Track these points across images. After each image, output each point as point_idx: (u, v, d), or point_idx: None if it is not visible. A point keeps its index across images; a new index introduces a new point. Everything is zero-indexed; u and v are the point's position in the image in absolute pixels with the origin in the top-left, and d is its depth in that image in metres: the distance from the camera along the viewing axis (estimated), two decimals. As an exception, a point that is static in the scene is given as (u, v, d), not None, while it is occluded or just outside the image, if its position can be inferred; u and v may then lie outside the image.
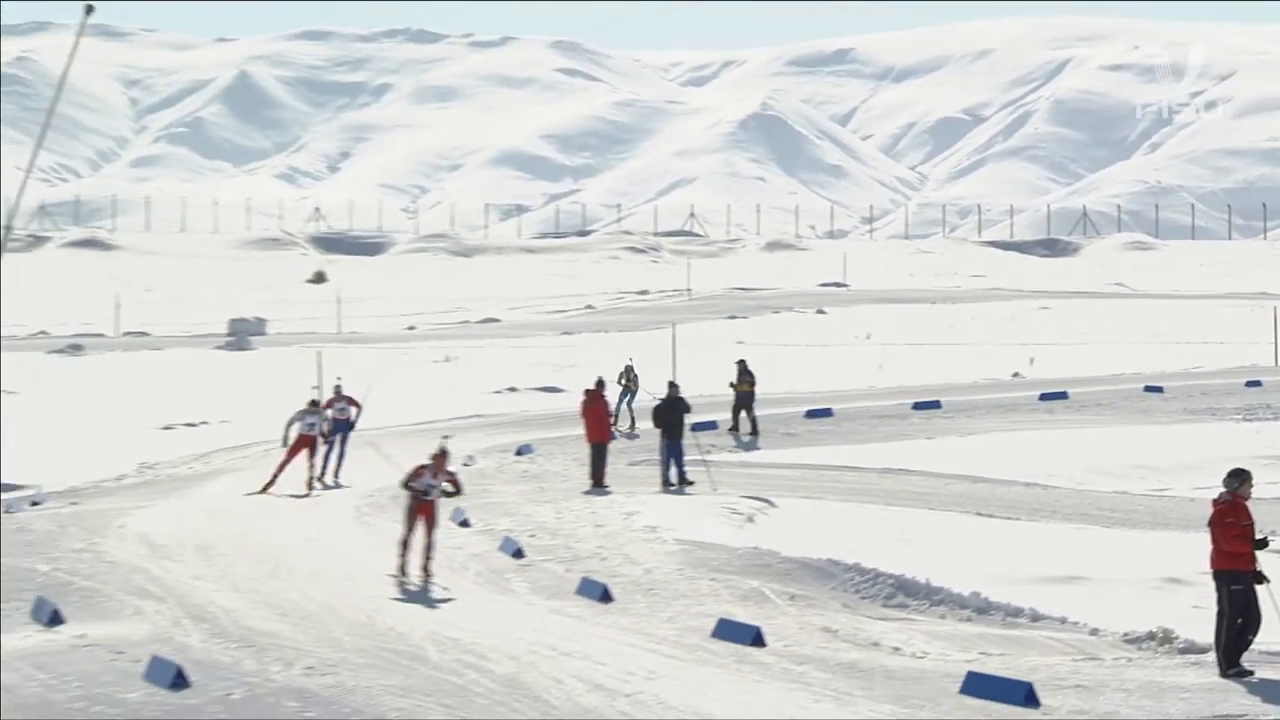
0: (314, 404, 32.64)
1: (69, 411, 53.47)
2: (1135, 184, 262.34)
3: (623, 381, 46.01)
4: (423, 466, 21.35)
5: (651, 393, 42.94)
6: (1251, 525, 21.01)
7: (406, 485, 26.11)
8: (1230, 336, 69.81)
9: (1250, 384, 51.24)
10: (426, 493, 20.02)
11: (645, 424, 44.35)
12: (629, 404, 47.27)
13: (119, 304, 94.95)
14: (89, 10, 44.33)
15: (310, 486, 34.99)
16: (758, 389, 47.11)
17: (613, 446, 39.64)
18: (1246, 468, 21.91)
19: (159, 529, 34.25)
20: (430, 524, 21.19)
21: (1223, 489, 21.14)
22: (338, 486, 35.76)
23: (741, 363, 45.42)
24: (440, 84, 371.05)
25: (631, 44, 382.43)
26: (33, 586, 28.14)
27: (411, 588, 27.75)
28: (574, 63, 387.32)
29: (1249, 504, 21.02)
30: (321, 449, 35.91)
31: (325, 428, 35.13)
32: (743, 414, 41.38)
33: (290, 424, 32.76)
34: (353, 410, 36.91)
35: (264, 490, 30.72)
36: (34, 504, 37.89)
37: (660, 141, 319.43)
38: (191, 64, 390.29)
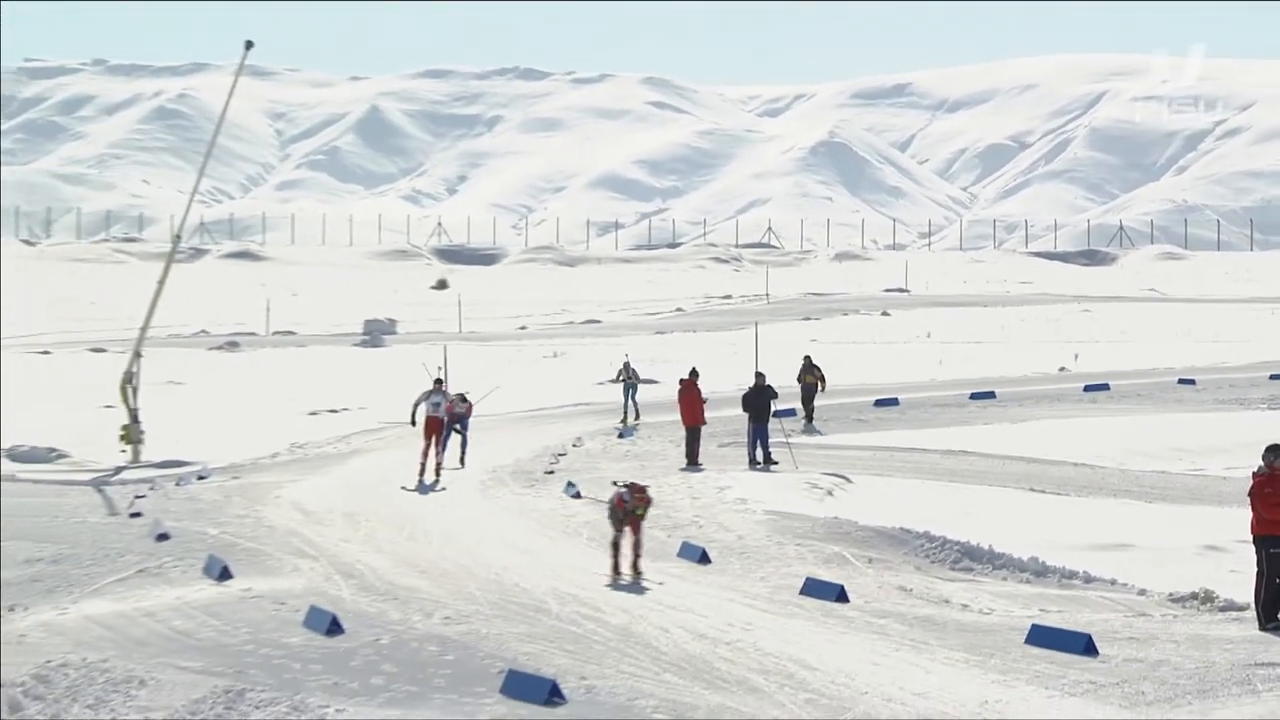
0: (438, 383, 32.14)
1: (228, 399, 53.74)
2: (1165, 203, 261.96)
3: (622, 377, 46.08)
4: (621, 498, 21.06)
5: (637, 379, 44.52)
6: None
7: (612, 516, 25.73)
8: (1254, 335, 69.74)
9: (1274, 377, 51.14)
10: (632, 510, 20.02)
11: (649, 417, 45.46)
12: (632, 398, 47.05)
13: (269, 307, 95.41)
14: (249, 45, 44.86)
15: (438, 473, 34.57)
16: (828, 383, 47.19)
17: (682, 433, 39.72)
18: None
19: (309, 499, 34.64)
20: (635, 529, 21.06)
21: (1261, 464, 20.90)
22: (461, 466, 35.19)
23: (807, 358, 45.26)
24: (545, 116, 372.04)
25: (714, 79, 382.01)
26: (204, 547, 28.80)
27: (535, 552, 27.94)
28: (663, 96, 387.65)
29: None
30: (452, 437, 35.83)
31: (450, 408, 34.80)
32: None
33: (416, 405, 32.52)
34: (464, 408, 36.49)
35: (420, 480, 30.24)
36: (200, 478, 38.21)
37: (739, 165, 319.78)
38: (329, 99, 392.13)
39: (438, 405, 30.02)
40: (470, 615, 22.94)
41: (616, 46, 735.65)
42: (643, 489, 21.37)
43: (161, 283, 47.16)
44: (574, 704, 17.20)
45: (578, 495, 32.41)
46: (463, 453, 34.26)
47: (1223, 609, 22.34)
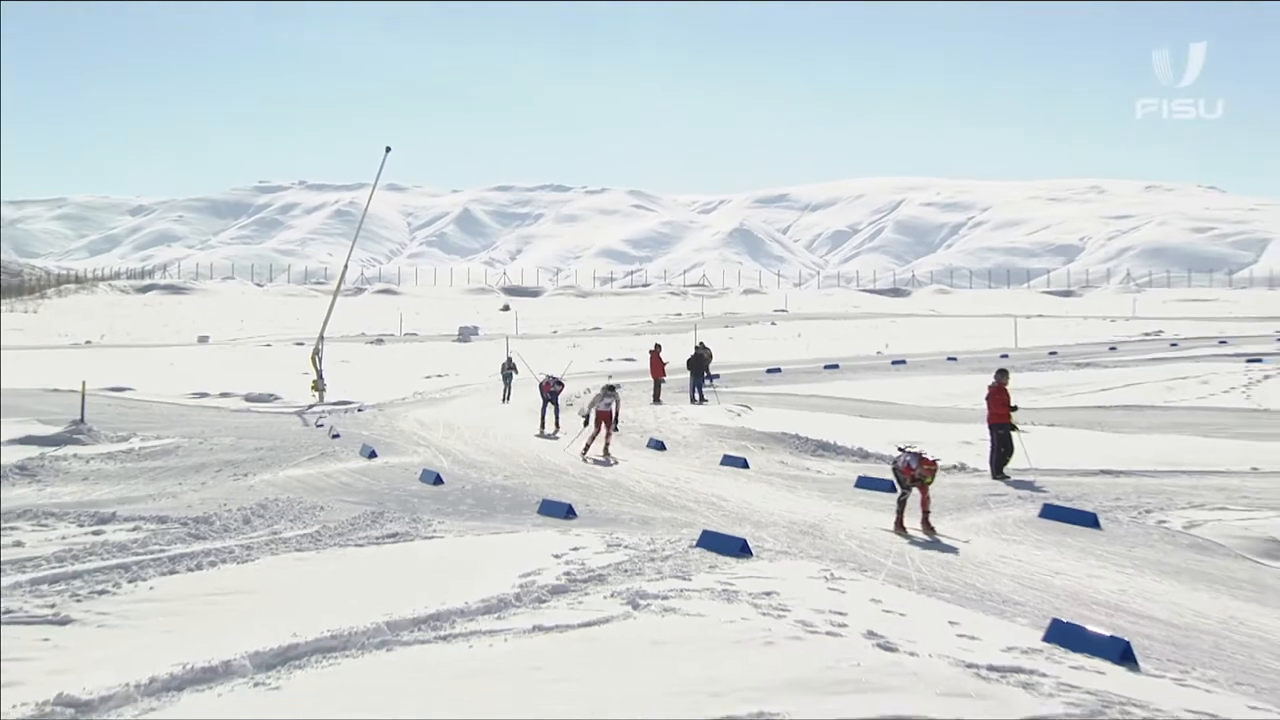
0: (610, 389, 27.42)
1: (377, 369, 54.04)
2: (939, 265, 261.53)
3: (506, 370, 42.53)
4: (908, 465, 16.55)
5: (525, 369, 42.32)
6: (1009, 399, 21.66)
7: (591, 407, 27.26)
8: (990, 335, 69.47)
9: (1003, 355, 50.43)
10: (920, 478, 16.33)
11: (632, 380, 44.62)
12: (509, 383, 42.59)
13: (401, 319, 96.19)
14: (388, 150, 44.84)
15: (606, 452, 33.10)
16: (737, 359, 48.95)
17: (651, 383, 39.60)
18: (1006, 367, 23.18)
19: (425, 418, 35.03)
20: (924, 493, 16.80)
21: (993, 381, 21.84)
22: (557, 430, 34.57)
23: (701, 343, 44.57)
24: (568, 214, 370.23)
25: (671, 189, 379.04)
26: (360, 441, 28.90)
27: (562, 447, 28.35)
28: (640, 201, 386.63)
29: (1008, 388, 21.71)
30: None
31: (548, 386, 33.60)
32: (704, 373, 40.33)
33: (591, 405, 27.12)
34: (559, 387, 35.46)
35: (583, 456, 26.31)
36: (359, 410, 38.35)
37: (686, 243, 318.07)
38: (438, 203, 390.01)
39: (609, 404, 26.52)
40: (519, 475, 23.76)
41: (612, 167, 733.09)
42: (932, 461, 16.90)
43: (332, 304, 49.58)
44: (582, 518, 17.81)
45: (586, 420, 32.69)
46: (556, 418, 31.90)
47: (971, 472, 22.85)
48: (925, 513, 16.94)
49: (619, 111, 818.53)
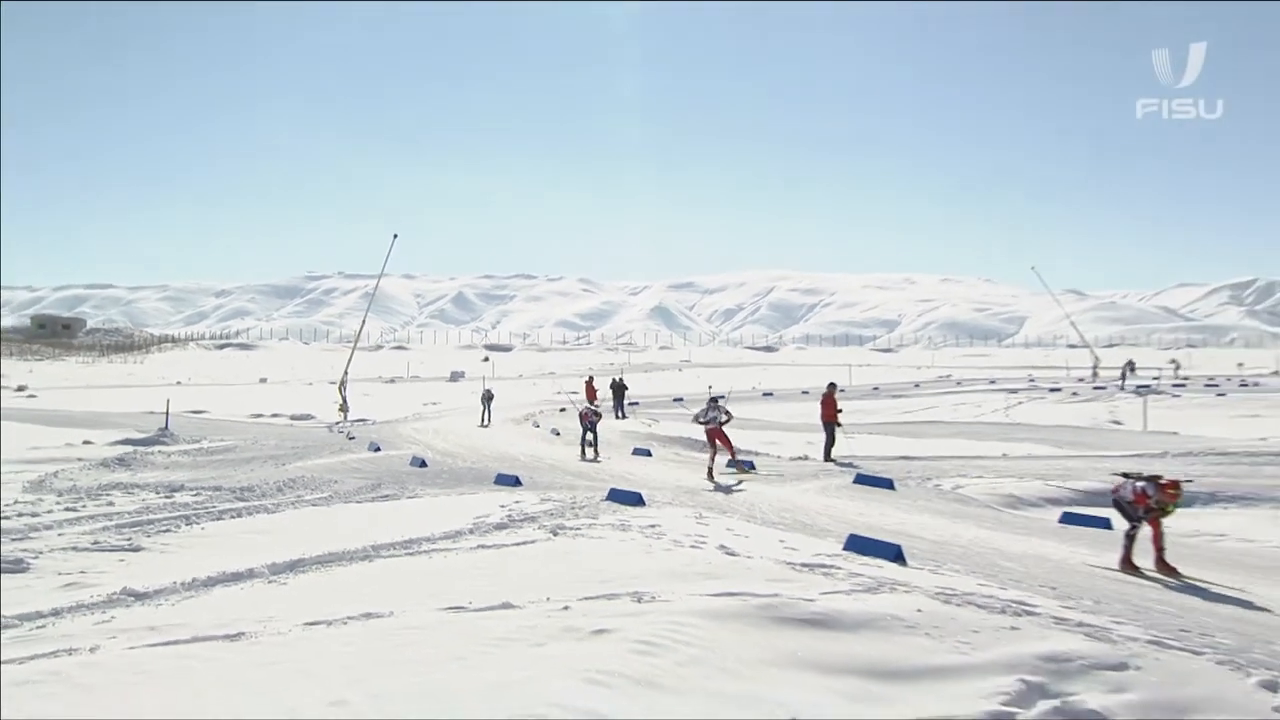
0: (714, 400, 23.19)
1: (389, 399, 52.98)
2: (799, 333, 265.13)
3: (485, 398, 40.87)
4: (1143, 493, 11.31)
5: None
6: (835, 404, 21.84)
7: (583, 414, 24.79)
8: (834, 376, 69.29)
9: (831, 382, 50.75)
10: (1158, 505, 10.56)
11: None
12: (488, 407, 41.55)
13: (408, 367, 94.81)
14: (395, 237, 44.34)
15: (710, 475, 31.86)
16: (642, 392, 48.32)
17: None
18: (835, 380, 23.38)
19: (419, 428, 33.81)
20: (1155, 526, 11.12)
21: (826, 388, 22.19)
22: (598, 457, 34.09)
23: (618, 378, 43.84)
24: (534, 295, 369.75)
25: (611, 276, 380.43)
26: (369, 440, 28.06)
27: (519, 442, 28.00)
28: (588, 286, 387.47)
29: (835, 397, 21.72)
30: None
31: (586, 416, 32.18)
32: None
33: (697, 416, 23.29)
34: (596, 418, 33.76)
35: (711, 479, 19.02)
36: (372, 423, 37.72)
37: (621, 317, 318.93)
38: (438, 287, 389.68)
39: (713, 419, 19.91)
40: (482, 461, 22.98)
41: (568, 259, 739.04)
42: (1174, 483, 11.00)
43: (353, 351, 49.18)
44: (526, 485, 17.49)
45: (536, 425, 32.21)
46: (596, 445, 24.19)
47: (810, 460, 22.80)
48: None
49: (574, 217, 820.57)
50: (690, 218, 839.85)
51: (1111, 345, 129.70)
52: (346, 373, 43.54)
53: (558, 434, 30.63)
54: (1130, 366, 51.14)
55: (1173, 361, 63.74)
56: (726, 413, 20.47)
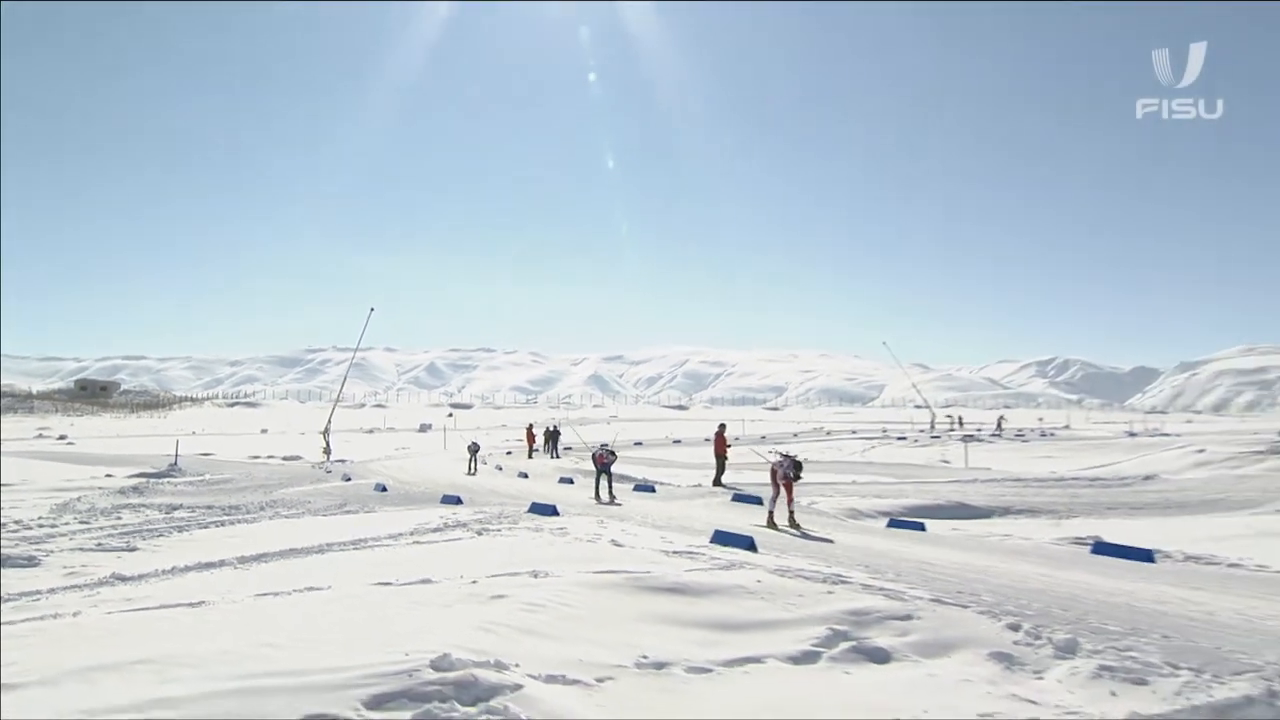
0: (787, 456, 19.50)
1: (367, 445, 51.74)
2: (707, 397, 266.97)
3: (471, 448, 40.38)
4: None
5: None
6: (725, 441, 21.77)
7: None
8: (733, 430, 69.11)
9: (722, 424, 50.92)
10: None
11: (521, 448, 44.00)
12: (475, 457, 39.54)
13: (384, 420, 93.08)
14: (371, 310, 43.56)
15: (772, 520, 31.61)
16: (575, 439, 47.55)
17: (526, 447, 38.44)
18: (724, 423, 23.27)
19: (388, 466, 32.78)
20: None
21: (718, 428, 22.20)
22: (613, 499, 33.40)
23: (554, 426, 43.08)
24: (493, 365, 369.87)
25: (555, 349, 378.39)
26: (343, 471, 27.43)
27: (482, 477, 27.54)
28: (535, 359, 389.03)
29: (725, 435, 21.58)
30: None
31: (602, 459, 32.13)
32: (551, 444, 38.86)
33: (774, 468, 16.93)
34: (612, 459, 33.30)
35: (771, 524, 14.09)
36: (350, 462, 36.86)
37: (564, 383, 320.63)
38: (416, 358, 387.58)
39: (787, 469, 15.23)
40: (434, 488, 22.15)
41: (521, 335, 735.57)
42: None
43: (334, 404, 48.11)
44: (466, 503, 17.24)
45: (499, 467, 31.70)
46: (610, 487, 18.62)
47: (702, 486, 22.69)
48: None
49: (527, 301, 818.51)
50: (621, 302, 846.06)
51: (947, 406, 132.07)
52: (329, 422, 42.81)
53: (500, 469, 30.22)
54: (959, 421, 52.33)
55: (1001, 418, 65.25)
56: (612, 454, 18.76)
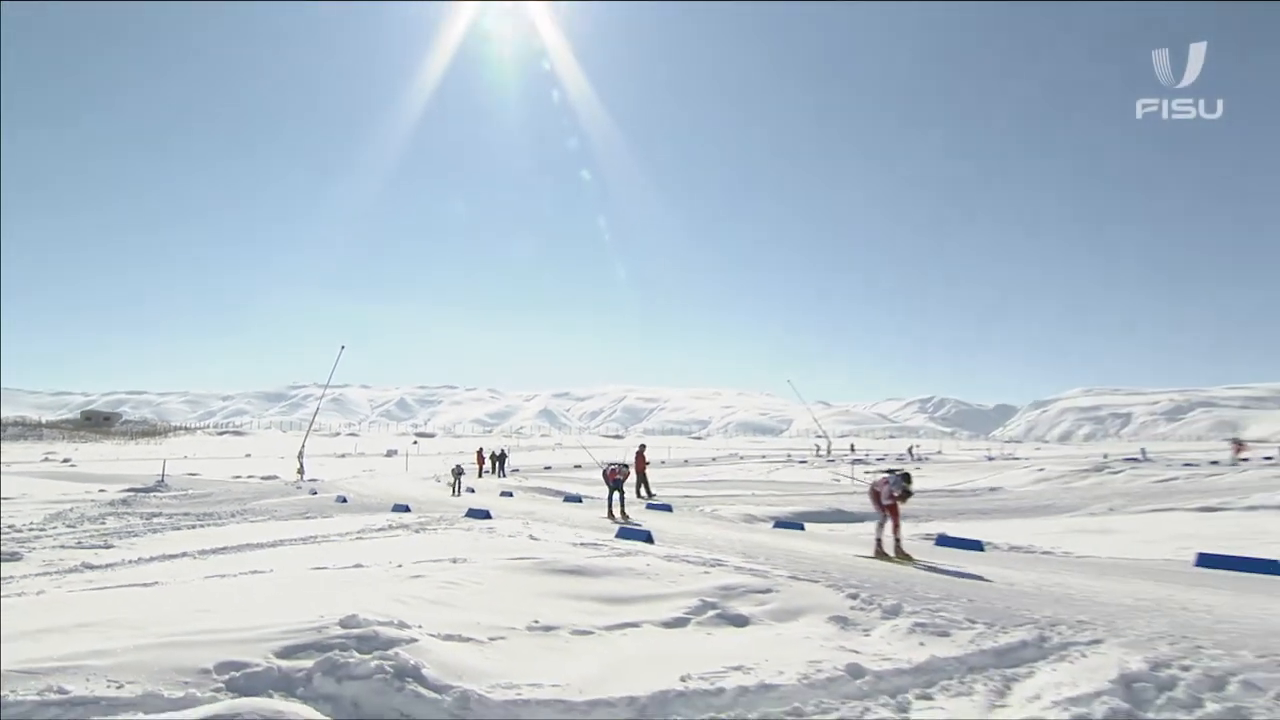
0: (902, 475, 13.81)
1: (339, 467, 50.31)
2: (643, 428, 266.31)
3: (456, 472, 37.47)
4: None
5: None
6: (645, 458, 21.52)
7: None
8: (660, 454, 68.68)
9: (642, 444, 50.67)
10: None
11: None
12: (459, 479, 38.41)
13: (356, 446, 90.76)
14: (342, 348, 42.42)
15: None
16: (524, 461, 46.66)
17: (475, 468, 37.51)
18: (645, 443, 22.99)
19: (354, 484, 31.93)
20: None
21: (638, 448, 21.84)
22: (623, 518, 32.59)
23: (501, 450, 43.49)
24: (455, 400, 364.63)
25: (510, 386, 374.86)
26: (312, 488, 26.67)
27: (423, 490, 26.89)
28: (493, 394, 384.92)
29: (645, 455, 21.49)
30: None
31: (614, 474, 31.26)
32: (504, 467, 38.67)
33: (875, 489, 11.02)
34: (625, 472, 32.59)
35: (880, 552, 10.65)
36: (320, 481, 35.83)
37: (517, 416, 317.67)
38: (389, 394, 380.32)
39: (890, 482, 10.30)
40: (389, 500, 21.39)
41: (480, 372, 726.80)
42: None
43: (307, 432, 46.71)
44: (413, 511, 16.90)
45: (450, 485, 30.95)
46: (623, 504, 15.45)
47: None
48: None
49: (488, 341, 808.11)
50: (570, 346, 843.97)
51: (843, 437, 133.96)
52: (303, 446, 41.82)
53: (451, 486, 29.75)
54: (851, 448, 53.18)
55: (910, 448, 66.21)
56: (625, 468, 15.58)
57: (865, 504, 18.75)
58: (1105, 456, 42.64)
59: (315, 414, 49.79)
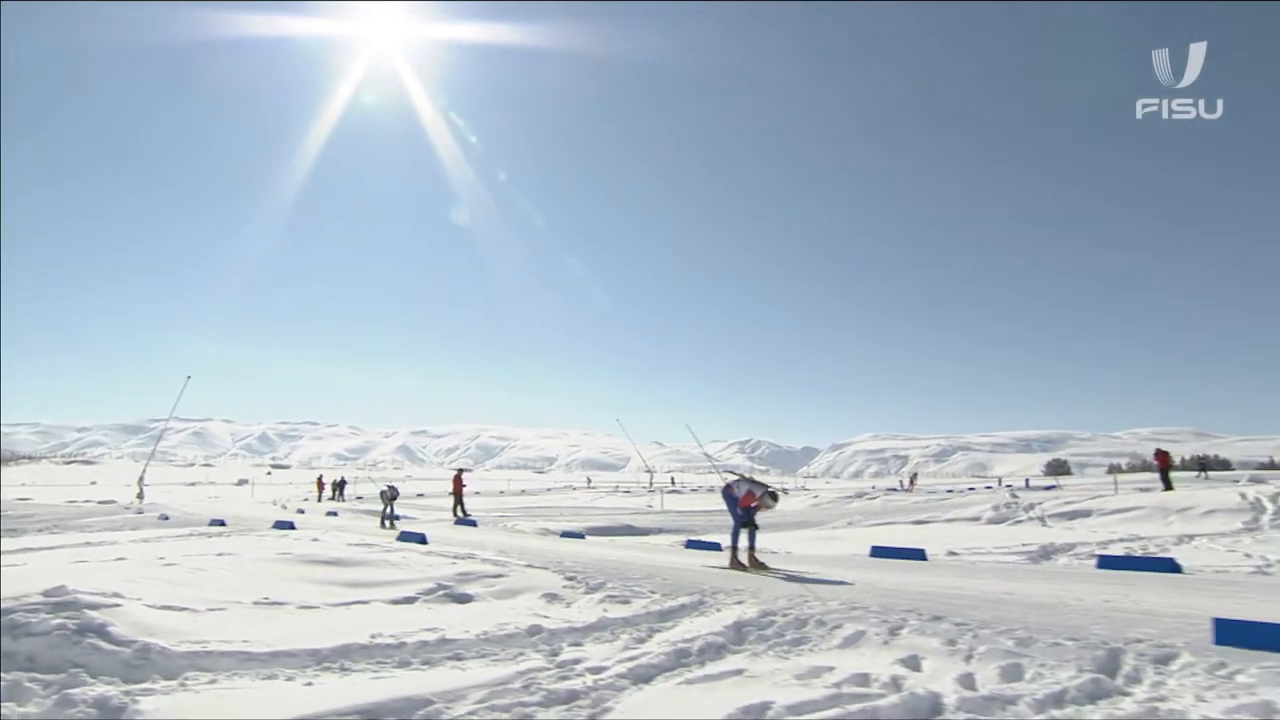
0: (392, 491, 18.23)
1: (188, 496, 45.68)
2: (495, 464, 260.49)
3: (388, 496, 36.78)
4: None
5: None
6: (461, 482, 20.54)
7: None
8: (515, 486, 67.18)
9: (465, 470, 49.69)
10: None
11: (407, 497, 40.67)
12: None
13: (207, 475, 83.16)
14: (188, 378, 38.39)
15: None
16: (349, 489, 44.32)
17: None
18: (460, 469, 22.17)
19: (192, 507, 29.36)
20: None
21: (455, 473, 20.93)
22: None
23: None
24: (317, 436, 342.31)
25: (372, 424, 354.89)
26: (146, 511, 24.15)
27: (255, 510, 25.02)
28: (355, 430, 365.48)
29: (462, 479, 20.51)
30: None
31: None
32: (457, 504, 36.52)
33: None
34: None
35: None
36: (162, 506, 32.43)
37: (376, 450, 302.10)
38: (249, 429, 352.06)
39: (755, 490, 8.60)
40: (259, 523, 20.16)
41: (341, 409, 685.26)
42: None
43: (148, 460, 42.03)
44: (228, 525, 15.79)
45: (284, 506, 28.99)
46: (753, 543, 8.14)
47: (446, 516, 22.06)
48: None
49: (348, 379, 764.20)
50: (428, 386, 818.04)
51: (668, 473, 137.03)
52: (144, 472, 37.94)
53: (284, 507, 27.85)
54: (671, 480, 54.40)
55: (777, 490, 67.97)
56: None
57: (654, 522, 19.45)
58: (874, 487, 46.22)
59: (158, 439, 45.15)
